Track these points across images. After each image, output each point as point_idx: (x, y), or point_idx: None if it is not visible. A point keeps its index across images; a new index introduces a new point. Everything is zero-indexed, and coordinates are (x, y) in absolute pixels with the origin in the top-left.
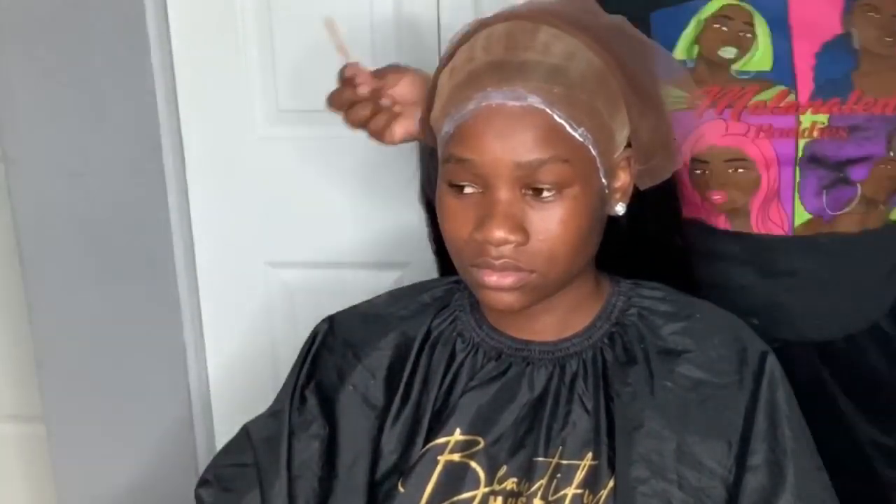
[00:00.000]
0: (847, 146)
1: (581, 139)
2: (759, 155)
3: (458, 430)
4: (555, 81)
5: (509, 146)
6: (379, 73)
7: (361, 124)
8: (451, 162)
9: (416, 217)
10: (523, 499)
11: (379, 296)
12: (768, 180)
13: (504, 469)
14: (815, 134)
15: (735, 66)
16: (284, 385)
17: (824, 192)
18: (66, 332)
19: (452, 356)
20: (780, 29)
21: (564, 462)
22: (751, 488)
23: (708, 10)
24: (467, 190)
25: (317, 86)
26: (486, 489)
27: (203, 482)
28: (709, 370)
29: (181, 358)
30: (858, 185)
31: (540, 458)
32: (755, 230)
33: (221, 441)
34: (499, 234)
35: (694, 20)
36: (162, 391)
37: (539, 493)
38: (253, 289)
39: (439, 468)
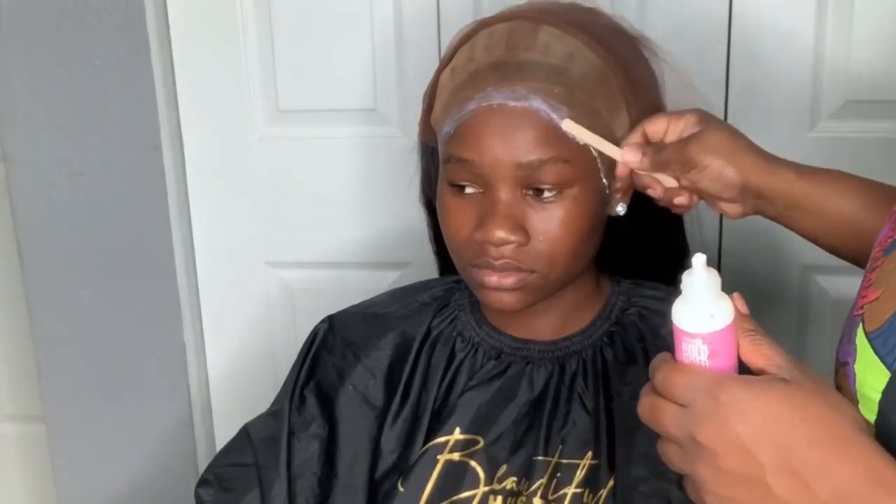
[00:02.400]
0: None
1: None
2: None
3: (457, 430)
4: (555, 82)
5: (510, 146)
6: (661, 163)
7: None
8: (452, 162)
9: (416, 217)
10: (523, 498)
11: (379, 295)
12: None
13: (504, 468)
14: None
15: None
16: (284, 385)
17: None
18: (66, 332)
19: (452, 355)
20: None
21: (564, 461)
22: None
23: None
24: (468, 190)
25: (317, 86)
26: (486, 488)
27: (203, 482)
28: None
29: (181, 358)
30: None
31: (540, 458)
32: None
33: (221, 441)
34: (499, 234)
35: None
36: (162, 391)
37: (539, 493)
38: (253, 289)
39: (439, 467)
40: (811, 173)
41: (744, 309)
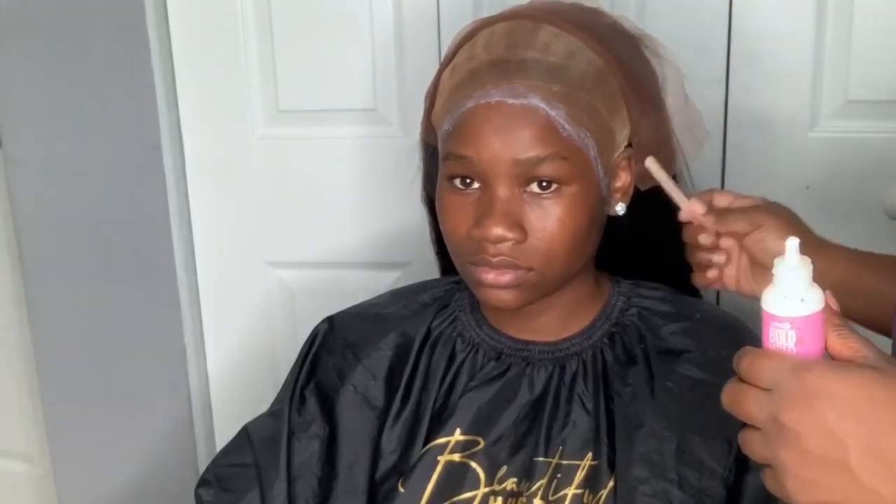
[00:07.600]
0: None
1: (580, 138)
2: None
3: (458, 431)
4: (554, 80)
5: (508, 143)
6: (725, 221)
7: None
8: (451, 159)
9: (416, 217)
10: (523, 499)
11: (379, 296)
12: None
13: (504, 469)
14: None
15: None
16: (284, 385)
17: None
18: (66, 332)
19: (452, 356)
20: None
21: (564, 462)
22: (751, 488)
23: None
24: (465, 187)
25: (317, 86)
26: (486, 489)
27: (203, 482)
28: (709, 370)
29: (181, 358)
30: None
31: (540, 458)
32: None
33: (221, 441)
34: (497, 231)
35: None
36: (162, 391)
37: (539, 493)
38: (253, 289)
39: (439, 468)
40: (864, 256)
41: (833, 304)
